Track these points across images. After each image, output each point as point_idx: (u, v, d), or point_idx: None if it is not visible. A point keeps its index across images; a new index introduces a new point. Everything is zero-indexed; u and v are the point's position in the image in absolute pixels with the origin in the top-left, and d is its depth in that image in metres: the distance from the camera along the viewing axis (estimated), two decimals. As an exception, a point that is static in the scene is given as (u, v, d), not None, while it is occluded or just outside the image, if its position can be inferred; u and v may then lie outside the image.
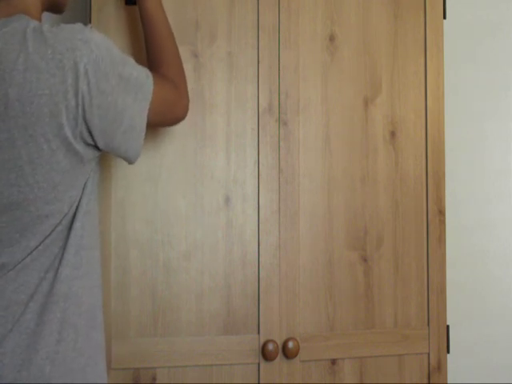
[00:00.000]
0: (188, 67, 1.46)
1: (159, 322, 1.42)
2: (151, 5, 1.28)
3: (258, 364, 1.47)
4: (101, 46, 1.04)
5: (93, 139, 1.06)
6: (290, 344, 1.47)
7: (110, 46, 1.06)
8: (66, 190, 1.05)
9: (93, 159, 1.10)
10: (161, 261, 1.43)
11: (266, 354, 1.45)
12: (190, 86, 1.46)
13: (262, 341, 1.47)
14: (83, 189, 1.10)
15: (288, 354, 1.47)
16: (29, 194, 1.02)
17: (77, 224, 1.08)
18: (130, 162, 1.15)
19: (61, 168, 1.03)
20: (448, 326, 1.63)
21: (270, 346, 1.45)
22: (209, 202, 1.46)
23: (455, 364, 2.01)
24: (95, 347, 1.10)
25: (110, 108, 1.05)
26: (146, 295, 1.41)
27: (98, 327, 1.12)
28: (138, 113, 1.10)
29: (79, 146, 1.04)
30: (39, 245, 1.05)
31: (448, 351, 1.62)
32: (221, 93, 1.48)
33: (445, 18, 1.68)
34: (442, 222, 1.62)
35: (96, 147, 1.08)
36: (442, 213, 1.62)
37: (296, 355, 1.47)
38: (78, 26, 1.04)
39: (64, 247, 1.07)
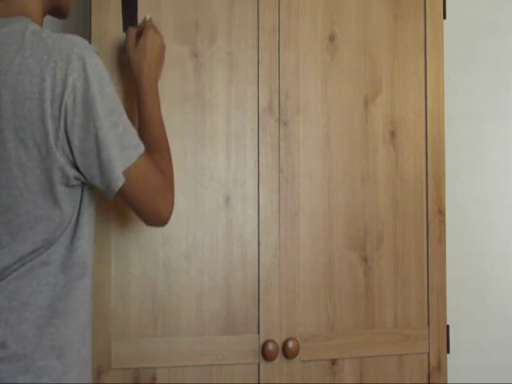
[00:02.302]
0: (188, 67, 1.46)
1: (159, 322, 1.42)
2: (152, 106, 1.26)
3: (258, 364, 1.47)
4: (95, 71, 1.01)
5: (73, 157, 1.02)
6: (290, 344, 1.47)
7: (104, 79, 1.03)
8: (57, 195, 1.04)
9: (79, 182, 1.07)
10: (161, 261, 1.43)
11: (266, 354, 1.45)
12: (190, 85, 1.46)
13: (262, 341, 1.47)
14: (81, 202, 1.08)
15: (288, 354, 1.47)
16: (19, 197, 1.01)
17: (78, 243, 1.07)
18: (108, 197, 1.10)
19: (51, 175, 1.02)
20: (448, 326, 1.63)
21: (270, 346, 1.45)
22: (209, 202, 1.46)
23: (455, 364, 2.00)
24: (83, 363, 1.10)
25: (89, 133, 1.01)
26: (145, 295, 1.41)
27: (86, 343, 1.11)
28: (118, 161, 1.04)
29: (62, 160, 1.01)
30: (31, 253, 1.04)
31: (448, 351, 1.62)
32: (221, 93, 1.48)
33: (445, 18, 1.68)
34: (442, 222, 1.62)
35: (78, 169, 1.04)
36: (442, 213, 1.62)
37: (296, 355, 1.47)
38: (80, 40, 1.03)
39: (63, 263, 1.06)
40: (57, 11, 1.19)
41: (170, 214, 1.16)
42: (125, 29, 1.39)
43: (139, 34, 1.34)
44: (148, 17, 1.36)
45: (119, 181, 1.05)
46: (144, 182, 1.09)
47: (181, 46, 1.46)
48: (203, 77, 1.47)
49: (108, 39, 1.41)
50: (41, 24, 1.14)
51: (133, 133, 1.07)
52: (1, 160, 1.00)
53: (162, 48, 1.33)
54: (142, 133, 1.26)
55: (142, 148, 1.08)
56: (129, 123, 1.07)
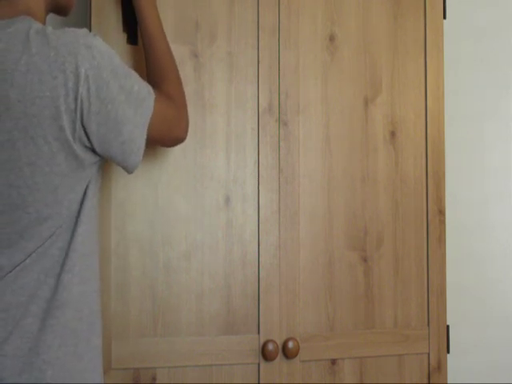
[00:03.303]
0: (188, 67, 1.46)
1: (159, 322, 1.42)
2: (152, 23, 1.28)
3: (258, 364, 1.47)
4: (103, 54, 1.04)
5: (91, 143, 1.06)
6: (290, 344, 1.47)
7: (112, 56, 1.06)
8: (65, 192, 1.05)
9: (94, 163, 1.10)
10: (161, 261, 1.43)
11: (266, 354, 1.45)
12: (190, 85, 1.46)
13: (262, 341, 1.47)
14: (85, 193, 1.10)
15: (288, 353, 1.47)
16: (28, 196, 1.02)
17: (80, 229, 1.08)
18: (128, 172, 1.15)
19: (61, 171, 1.03)
20: (448, 326, 1.63)
21: (270, 346, 1.45)
22: (209, 202, 1.46)
23: (455, 364, 2.01)
24: (94, 352, 1.10)
25: (109, 116, 1.05)
26: (145, 295, 1.41)
27: (96, 332, 1.12)
28: (138, 127, 1.09)
29: (79, 150, 1.04)
30: (39, 247, 1.04)
31: (448, 351, 1.62)
32: (221, 93, 1.48)
33: (445, 18, 1.68)
34: (442, 222, 1.62)
35: (95, 151, 1.08)
36: (442, 213, 1.62)
37: (296, 355, 1.47)
38: (83, 31, 1.04)
39: (66, 252, 1.06)
40: (59, 9, 1.20)
41: (187, 132, 1.25)
42: (125, 28, 1.39)
43: None
44: None
45: (138, 157, 1.11)
46: (160, 123, 1.16)
47: (181, 46, 1.46)
48: (203, 77, 1.47)
49: (108, 40, 1.41)
50: (44, 22, 1.15)
51: (142, 82, 1.12)
52: (10, 159, 1.00)
53: None
54: (147, 59, 1.28)
55: (151, 92, 1.13)
56: (137, 76, 1.12)
